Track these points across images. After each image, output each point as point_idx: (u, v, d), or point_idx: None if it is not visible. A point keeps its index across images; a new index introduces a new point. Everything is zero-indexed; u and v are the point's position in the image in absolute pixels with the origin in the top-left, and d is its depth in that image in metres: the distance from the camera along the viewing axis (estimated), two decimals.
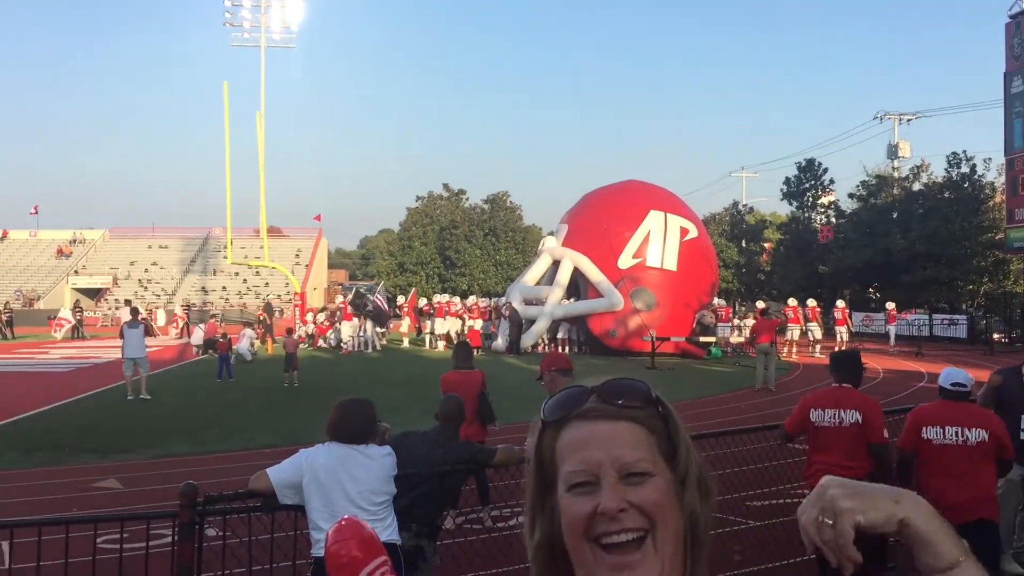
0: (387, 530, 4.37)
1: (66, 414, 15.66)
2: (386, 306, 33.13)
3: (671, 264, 27.77)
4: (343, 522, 2.34)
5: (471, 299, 35.84)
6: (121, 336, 17.94)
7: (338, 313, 33.22)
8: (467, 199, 68.55)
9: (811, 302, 29.19)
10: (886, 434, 5.53)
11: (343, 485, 4.30)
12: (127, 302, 28.73)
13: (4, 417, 14.94)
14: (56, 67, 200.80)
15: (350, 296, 34.25)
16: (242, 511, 4.62)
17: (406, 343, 33.71)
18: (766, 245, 54.12)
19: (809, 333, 28.41)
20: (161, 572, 4.59)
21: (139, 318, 18.72)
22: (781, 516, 8.03)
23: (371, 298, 31.97)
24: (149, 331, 18.69)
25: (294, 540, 4.74)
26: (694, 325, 27.28)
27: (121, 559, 4.37)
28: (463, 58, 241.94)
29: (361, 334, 31.36)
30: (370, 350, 30.84)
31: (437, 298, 35.59)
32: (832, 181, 47.67)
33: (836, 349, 27.32)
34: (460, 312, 32.87)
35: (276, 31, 46.85)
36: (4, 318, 39.46)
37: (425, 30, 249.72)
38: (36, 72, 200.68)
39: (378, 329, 32.36)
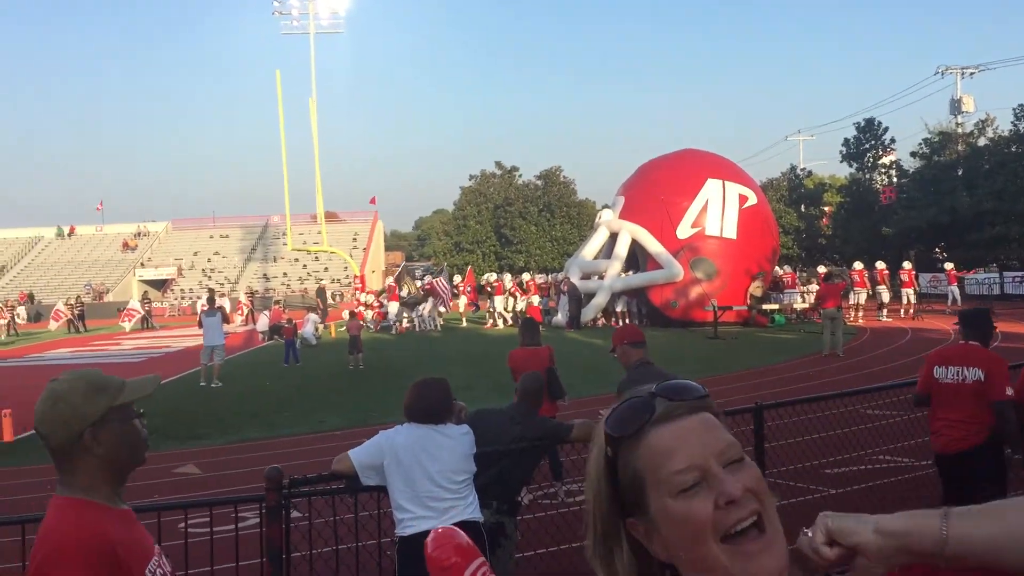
0: (469, 508, 4.39)
1: (142, 403, 16.03)
2: (447, 286, 33.29)
3: (731, 232, 27.43)
4: (440, 530, 2.45)
5: (525, 276, 35.77)
6: (200, 325, 18.46)
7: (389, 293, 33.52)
8: (520, 176, 68.50)
9: (880, 264, 28.64)
10: (1010, 392, 5.45)
11: (423, 465, 4.32)
12: (210, 290, 29.42)
13: None
14: (111, 67, 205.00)
15: (404, 276, 34.61)
16: (326, 493, 4.69)
17: (464, 322, 33.87)
18: (826, 209, 53.12)
19: (877, 296, 27.90)
20: (249, 554, 4.69)
21: (215, 306, 19.16)
22: (859, 483, 7.93)
23: (417, 284, 32.23)
24: (225, 319, 19.18)
25: (378, 520, 4.80)
26: (747, 299, 26.78)
27: (212, 542, 4.48)
28: (510, 34, 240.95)
29: (417, 314, 31.62)
30: (429, 328, 31.08)
31: (492, 277, 35.67)
32: (893, 140, 46.55)
33: (902, 312, 27.05)
34: (512, 291, 32.95)
35: (324, 17, 47.27)
36: (76, 312, 40.54)
37: (471, 8, 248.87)
38: (94, 74, 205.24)
39: (440, 308, 32.56)
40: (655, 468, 1.07)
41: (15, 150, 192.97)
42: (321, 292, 43.77)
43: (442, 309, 33.01)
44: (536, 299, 32.03)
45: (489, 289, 33.34)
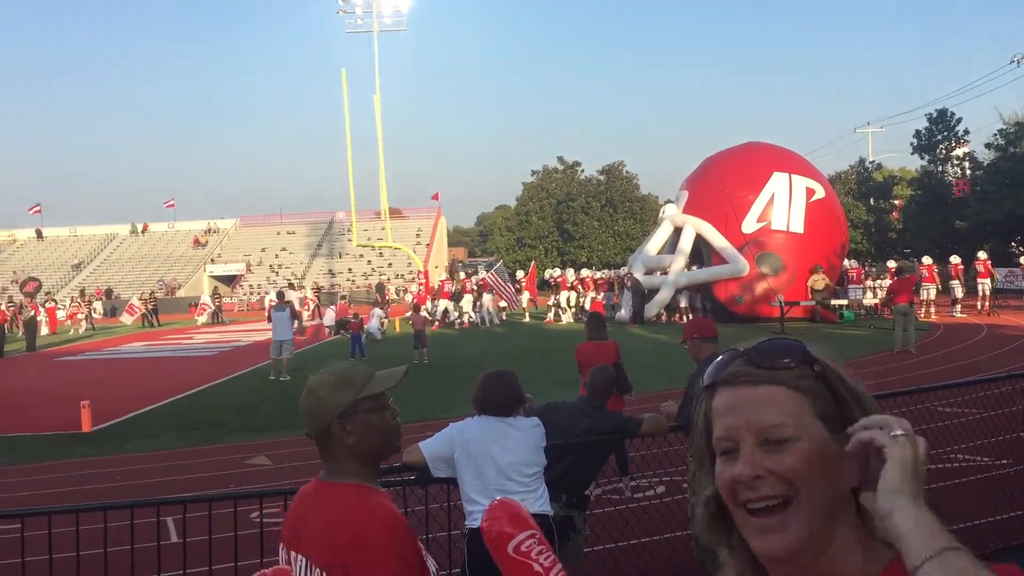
0: (538, 501, 4.38)
1: (214, 396, 16.45)
2: (504, 284, 33.42)
3: (798, 227, 26.93)
4: (496, 502, 2.49)
5: (584, 271, 35.74)
6: (269, 319, 18.92)
7: (449, 290, 33.75)
8: (582, 171, 68.28)
9: (954, 259, 27.89)
10: None
11: (493, 457, 4.33)
12: (289, 284, 30.07)
13: (159, 400, 15.81)
14: (179, 69, 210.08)
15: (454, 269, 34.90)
16: (397, 484, 4.75)
17: (527, 317, 33.92)
18: (896, 202, 51.92)
19: (951, 291, 27.18)
20: None
21: (284, 301, 19.56)
22: (936, 482, 7.75)
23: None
24: (295, 314, 19.59)
25: (448, 511, 4.84)
26: (808, 294, 26.17)
27: None
28: (570, 28, 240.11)
29: (477, 310, 31.78)
30: (488, 324, 31.20)
31: (555, 272, 35.69)
32: (967, 131, 45.26)
33: (978, 306, 26.30)
34: (575, 285, 32.96)
35: (387, 15, 47.69)
36: (150, 307, 41.60)
37: (531, 3, 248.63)
38: (163, 76, 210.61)
39: (500, 303, 32.70)
40: (713, 426, 1.16)
41: (91, 149, 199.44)
42: (380, 287, 44.31)
43: (503, 303, 33.12)
44: (595, 294, 32.05)
45: (553, 284, 33.38)
